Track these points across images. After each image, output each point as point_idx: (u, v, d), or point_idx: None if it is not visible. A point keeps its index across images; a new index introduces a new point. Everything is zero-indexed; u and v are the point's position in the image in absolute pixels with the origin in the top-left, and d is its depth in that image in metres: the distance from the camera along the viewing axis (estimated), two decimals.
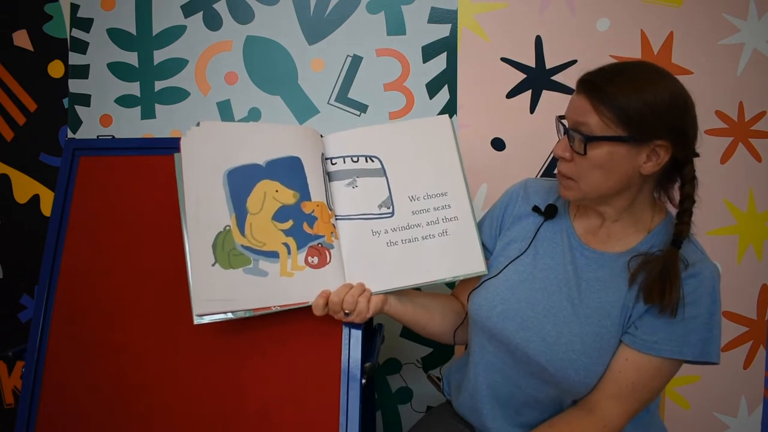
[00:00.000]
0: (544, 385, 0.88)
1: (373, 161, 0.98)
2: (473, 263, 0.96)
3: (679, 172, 0.85)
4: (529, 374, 0.89)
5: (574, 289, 0.87)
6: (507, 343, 0.90)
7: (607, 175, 0.83)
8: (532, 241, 0.94)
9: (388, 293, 0.94)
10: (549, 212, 0.95)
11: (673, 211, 0.88)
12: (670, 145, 0.80)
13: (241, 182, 0.91)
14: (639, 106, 0.78)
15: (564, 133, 0.85)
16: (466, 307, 1.00)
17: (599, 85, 0.80)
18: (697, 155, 0.84)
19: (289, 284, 0.89)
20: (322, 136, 1.00)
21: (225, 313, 0.87)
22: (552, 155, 1.33)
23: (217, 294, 0.87)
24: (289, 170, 0.93)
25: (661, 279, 0.80)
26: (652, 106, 0.78)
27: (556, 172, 0.92)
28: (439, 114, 1.39)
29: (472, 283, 0.99)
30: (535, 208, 0.97)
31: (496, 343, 0.92)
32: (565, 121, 0.86)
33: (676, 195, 0.87)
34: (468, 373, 0.98)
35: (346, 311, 0.89)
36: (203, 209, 0.89)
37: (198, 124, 0.93)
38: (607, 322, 0.84)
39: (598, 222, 0.92)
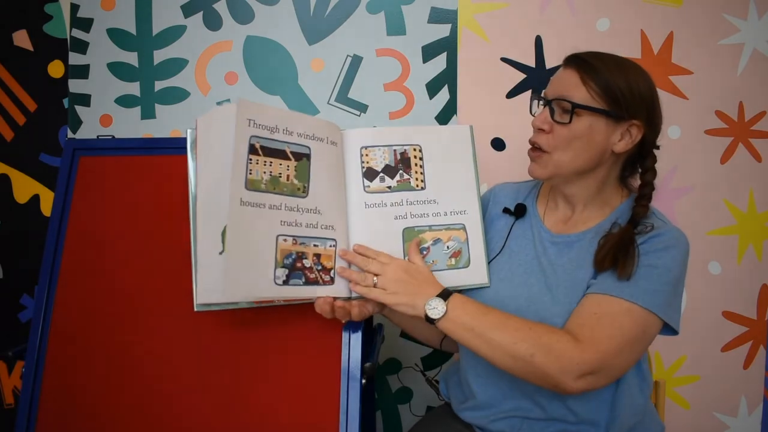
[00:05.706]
0: None
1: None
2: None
3: (641, 161, 0.90)
4: None
5: (551, 277, 0.90)
6: None
7: (583, 149, 0.87)
8: (506, 241, 0.98)
9: None
10: (519, 211, 1.00)
11: None
12: (643, 125, 0.86)
13: None
14: (623, 85, 0.85)
15: (544, 105, 0.89)
16: None
17: (589, 61, 0.87)
18: (658, 147, 0.91)
19: None
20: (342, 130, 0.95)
21: (228, 303, 0.85)
22: None
23: (221, 283, 0.82)
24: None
25: (615, 250, 0.83)
26: (633, 87, 0.85)
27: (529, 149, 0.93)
28: (438, 113, 1.39)
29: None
30: (506, 210, 1.01)
31: None
32: (543, 96, 0.91)
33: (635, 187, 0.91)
34: (467, 383, 0.98)
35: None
36: (216, 196, 0.84)
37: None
38: (581, 297, 0.86)
39: (569, 212, 0.96)
